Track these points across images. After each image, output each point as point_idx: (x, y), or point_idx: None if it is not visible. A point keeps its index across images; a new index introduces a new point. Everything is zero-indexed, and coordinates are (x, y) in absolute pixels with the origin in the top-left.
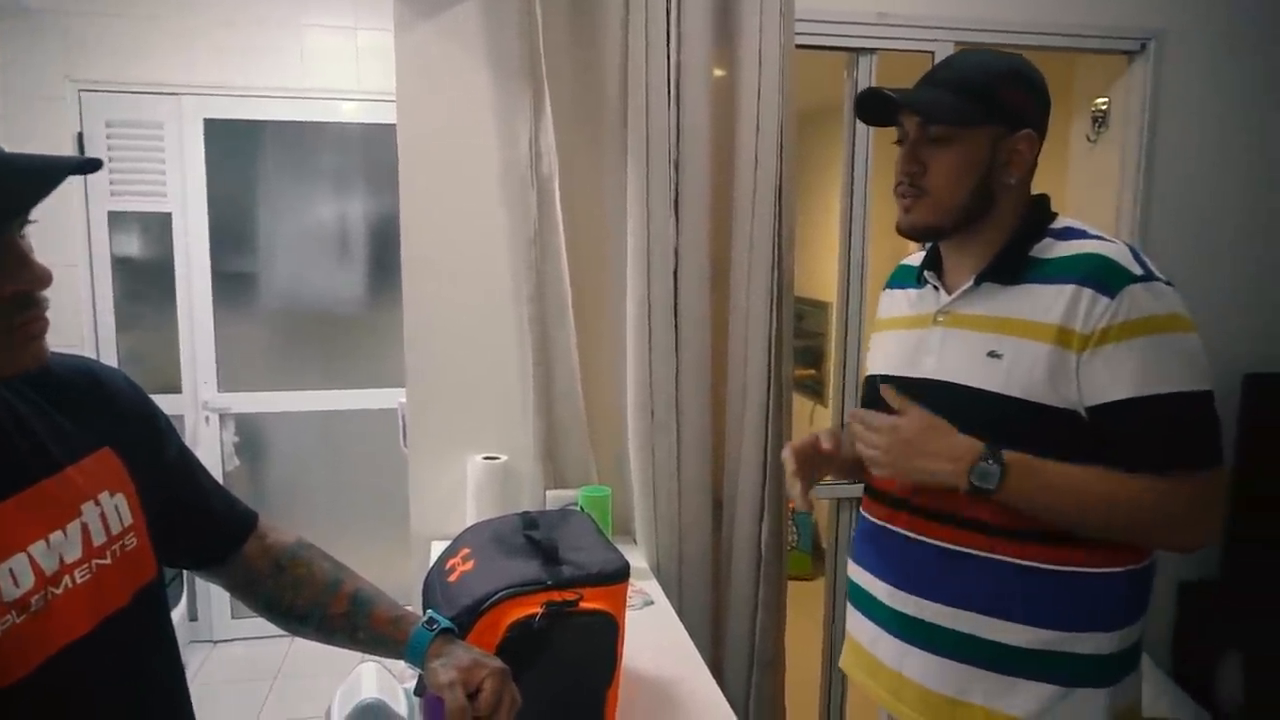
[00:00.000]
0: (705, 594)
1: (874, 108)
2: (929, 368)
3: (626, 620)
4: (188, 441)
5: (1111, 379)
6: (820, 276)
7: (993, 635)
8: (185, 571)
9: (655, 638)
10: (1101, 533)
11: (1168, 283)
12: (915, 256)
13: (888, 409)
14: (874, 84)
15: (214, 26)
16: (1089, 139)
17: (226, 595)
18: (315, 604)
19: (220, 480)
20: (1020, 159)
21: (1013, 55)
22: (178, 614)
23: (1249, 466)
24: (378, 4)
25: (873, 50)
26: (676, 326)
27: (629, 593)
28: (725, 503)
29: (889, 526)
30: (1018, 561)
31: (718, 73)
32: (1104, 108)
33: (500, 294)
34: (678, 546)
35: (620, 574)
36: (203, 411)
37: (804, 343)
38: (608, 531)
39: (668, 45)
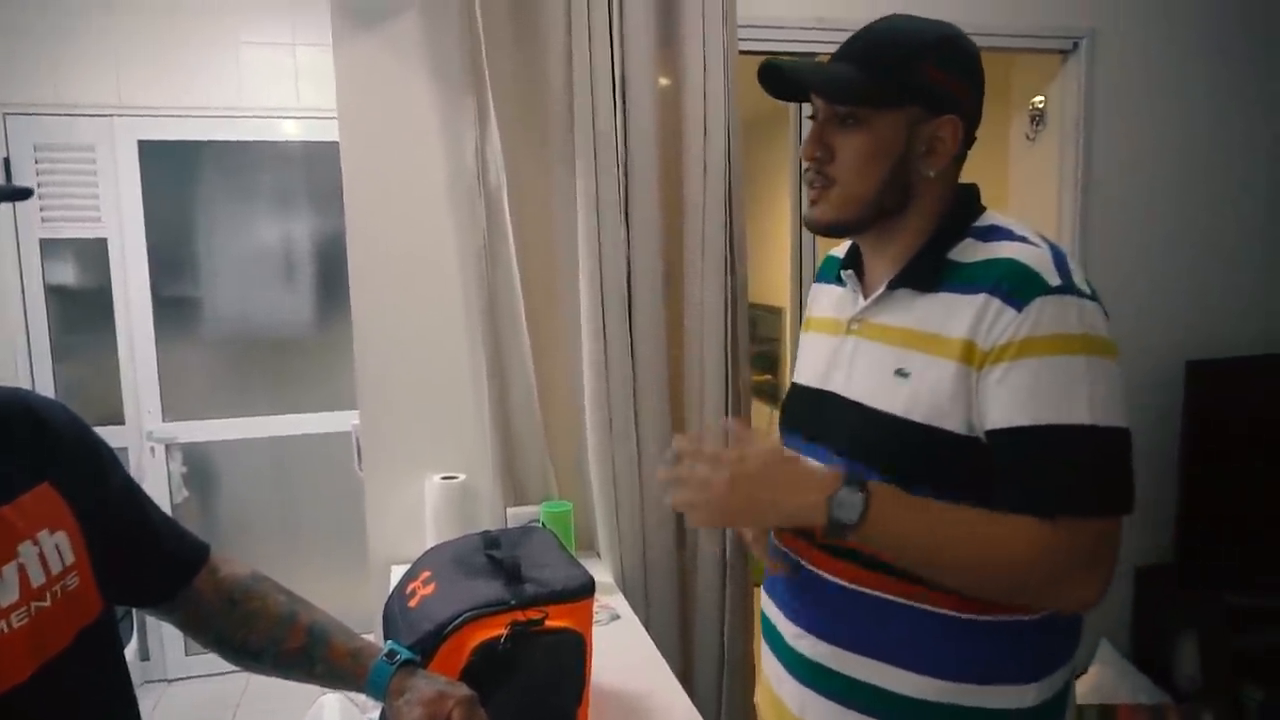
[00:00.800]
0: (672, 604)
1: (781, 83)
2: (838, 383)
3: (594, 636)
4: (133, 474)
5: (1002, 402)
6: (773, 282)
7: (894, 685)
8: (135, 610)
9: (623, 652)
10: (970, 584)
11: (1092, 297)
12: (842, 247)
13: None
14: None
15: (145, 45)
16: (1028, 137)
17: (179, 632)
18: (270, 639)
19: (169, 513)
20: (942, 147)
21: (943, 25)
22: (128, 654)
23: (1195, 451)
24: (315, 19)
25: (814, 55)
26: (631, 334)
27: (595, 608)
28: None
29: (792, 555)
30: (921, 607)
31: (663, 81)
32: (1041, 106)
33: (452, 308)
34: (642, 558)
35: (585, 590)
36: (147, 442)
37: (759, 348)
38: (571, 547)
39: (611, 51)
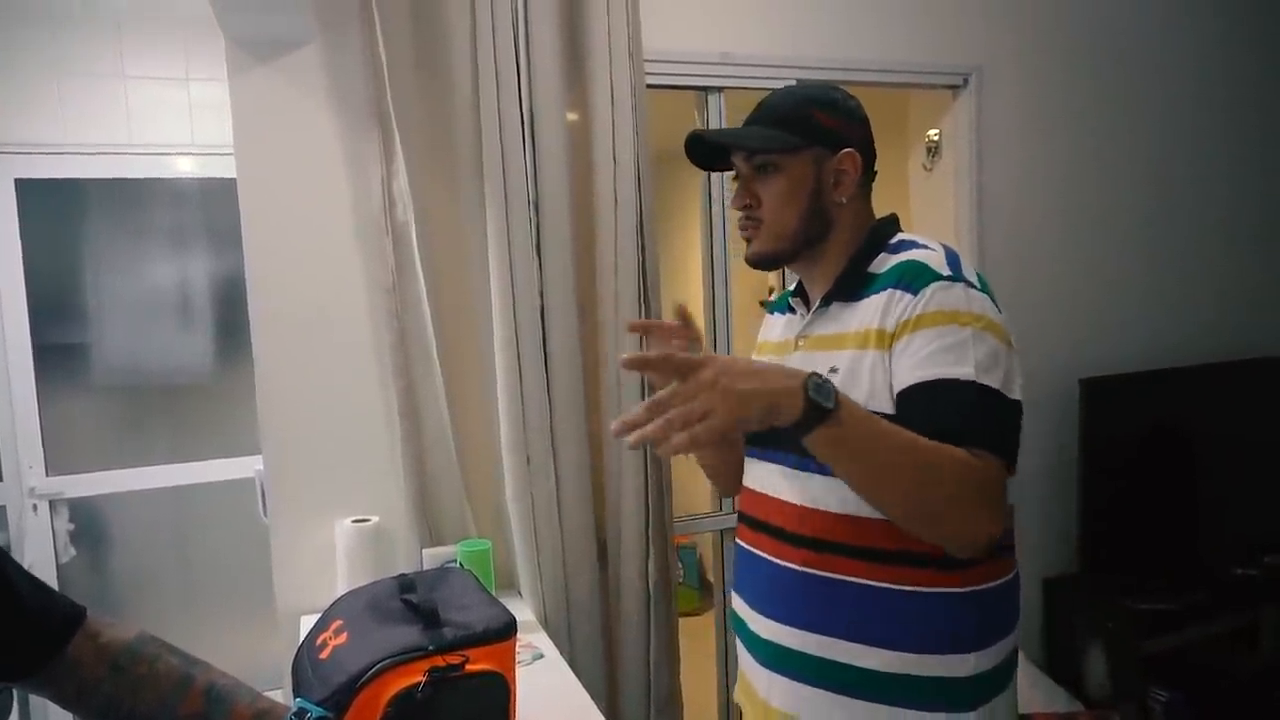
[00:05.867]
0: (596, 640)
1: (705, 152)
2: None
3: (517, 677)
4: (12, 535)
5: (902, 368)
6: None
7: (851, 659)
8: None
9: (549, 692)
10: (903, 500)
11: (981, 289)
12: (794, 283)
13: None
14: (723, 120)
15: (19, 78)
16: (925, 168)
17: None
18: (162, 706)
19: (55, 575)
20: (847, 178)
21: (823, 84)
22: None
23: (1093, 464)
24: (211, 53)
25: (720, 89)
26: (547, 368)
27: (517, 648)
28: (609, 544)
29: (754, 551)
30: (871, 583)
31: (571, 116)
32: (936, 139)
33: (360, 347)
34: (565, 594)
35: (507, 630)
36: (29, 499)
37: None
38: (490, 586)
39: (519, 86)
